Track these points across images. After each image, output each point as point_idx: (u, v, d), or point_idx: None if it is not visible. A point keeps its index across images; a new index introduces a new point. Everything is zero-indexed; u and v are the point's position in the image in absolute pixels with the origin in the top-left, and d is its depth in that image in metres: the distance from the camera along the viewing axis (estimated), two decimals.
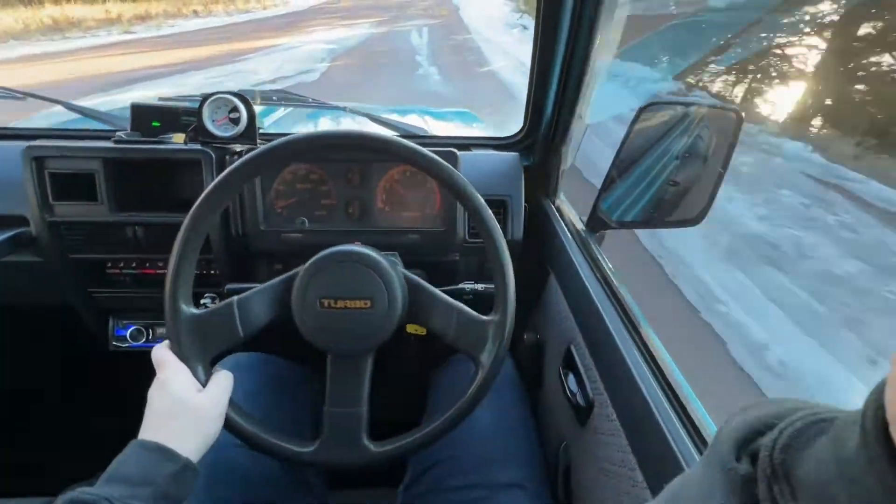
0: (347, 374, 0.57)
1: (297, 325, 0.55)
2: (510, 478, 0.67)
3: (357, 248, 0.57)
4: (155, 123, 0.79)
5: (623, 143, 0.74)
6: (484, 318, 0.58)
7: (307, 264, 0.56)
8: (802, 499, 0.18)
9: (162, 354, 0.52)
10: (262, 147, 0.56)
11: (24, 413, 1.04)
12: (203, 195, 0.54)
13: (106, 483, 0.42)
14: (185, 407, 0.48)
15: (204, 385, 0.52)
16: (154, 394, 0.50)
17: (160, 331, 0.91)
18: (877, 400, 0.17)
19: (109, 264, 0.86)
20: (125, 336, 0.91)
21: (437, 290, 0.59)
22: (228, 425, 0.54)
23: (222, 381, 0.54)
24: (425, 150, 0.58)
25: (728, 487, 0.21)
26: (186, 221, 0.53)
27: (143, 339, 0.91)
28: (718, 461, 0.22)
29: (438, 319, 0.59)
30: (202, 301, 0.85)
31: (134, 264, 0.86)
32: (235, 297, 0.55)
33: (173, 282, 0.53)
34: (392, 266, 0.57)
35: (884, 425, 0.16)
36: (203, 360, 0.54)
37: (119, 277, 0.86)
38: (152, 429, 0.47)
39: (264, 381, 0.76)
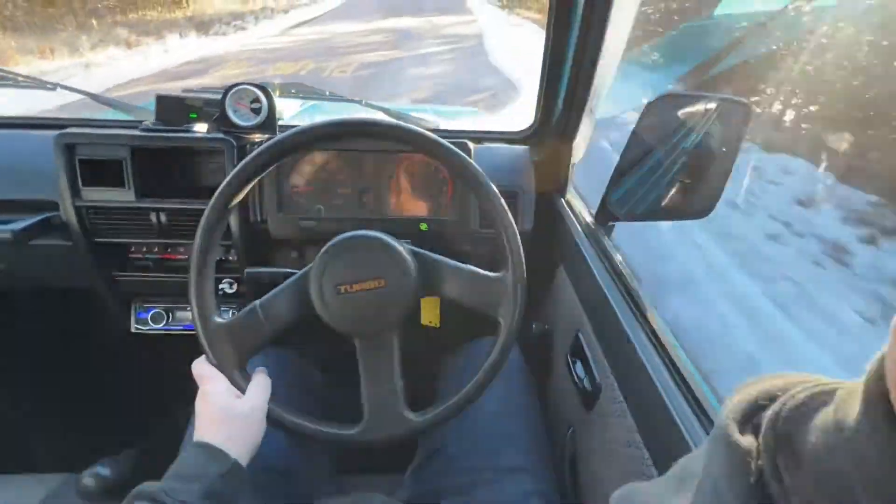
0: (378, 353, 0.59)
1: (321, 316, 0.57)
2: (516, 462, 0.68)
3: (362, 231, 0.59)
4: (192, 115, 0.82)
5: (632, 136, 0.76)
6: (496, 274, 0.60)
7: (317, 257, 0.58)
8: (806, 468, 0.19)
9: (200, 369, 0.56)
10: (281, 134, 0.58)
11: (50, 391, 1.08)
12: (220, 188, 0.56)
13: (167, 479, 0.47)
14: (229, 415, 0.53)
15: (244, 391, 0.56)
16: (200, 405, 0.54)
17: (180, 314, 0.94)
18: (878, 369, 0.17)
19: (132, 248, 0.89)
20: (146, 319, 0.94)
21: (444, 258, 0.61)
22: (270, 419, 0.57)
23: (261, 382, 0.57)
24: (441, 140, 0.60)
25: (733, 460, 0.21)
26: (206, 214, 0.56)
27: (164, 322, 0.94)
28: (722, 436, 0.22)
29: (451, 285, 0.60)
30: (220, 286, 0.88)
31: (156, 249, 0.89)
32: (257, 302, 0.58)
33: (198, 293, 0.56)
34: (399, 243, 0.59)
35: (885, 394, 0.16)
36: (239, 366, 0.57)
37: (141, 262, 0.90)
38: (203, 433, 0.51)
39: (282, 379, 0.79)
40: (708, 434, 0.47)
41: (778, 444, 0.20)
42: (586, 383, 0.70)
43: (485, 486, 0.65)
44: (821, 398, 0.20)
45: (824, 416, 0.19)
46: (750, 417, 0.22)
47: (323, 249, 0.58)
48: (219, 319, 0.57)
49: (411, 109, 1.60)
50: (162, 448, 0.62)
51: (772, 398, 0.22)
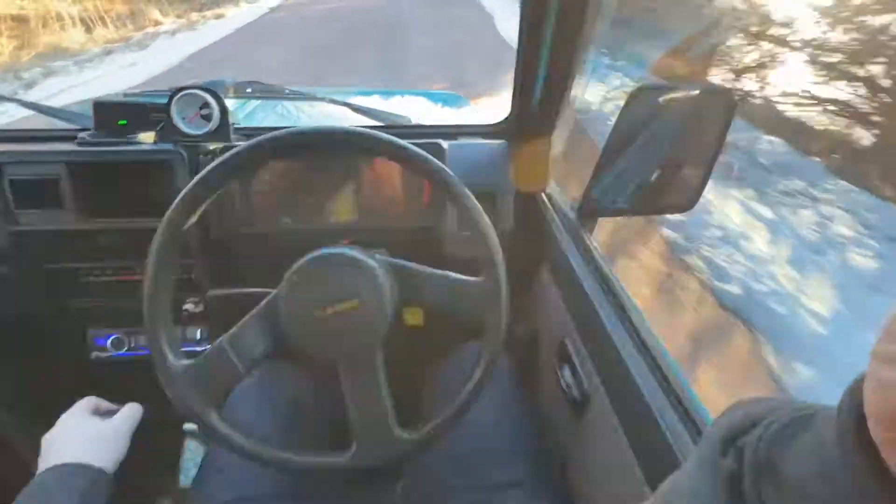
0: (361, 375, 0.55)
1: (294, 344, 0.53)
2: (509, 476, 0.67)
3: (329, 249, 0.55)
4: (122, 122, 0.74)
5: (613, 129, 0.72)
6: (476, 279, 0.57)
7: (283, 282, 0.54)
8: (785, 493, 0.19)
9: (77, 406, 0.61)
10: (236, 148, 0.52)
11: (5, 425, 1.00)
12: (171, 208, 0.51)
13: (30, 498, 0.49)
14: (97, 432, 0.57)
15: (219, 434, 0.55)
16: (56, 433, 0.58)
17: (141, 339, 0.88)
18: (852, 395, 0.17)
19: (83, 272, 0.82)
20: (106, 345, 0.88)
21: (421, 267, 0.58)
22: (262, 458, 0.54)
23: (127, 411, 0.61)
24: (411, 146, 0.55)
25: (716, 484, 0.21)
26: (157, 243, 0.50)
27: (126, 348, 0.88)
28: (707, 458, 0.23)
29: (430, 293, 0.57)
30: (184, 308, 0.82)
31: (110, 272, 0.82)
32: (224, 337, 0.53)
33: (153, 329, 0.51)
34: (370, 257, 0.55)
35: (858, 420, 0.16)
36: (214, 406, 0.53)
37: (95, 286, 0.82)
38: (62, 455, 0.53)
39: (279, 395, 0.75)
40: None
41: (760, 468, 0.20)
42: (575, 392, 0.68)
43: None
44: (801, 423, 0.20)
45: (803, 442, 0.19)
46: (734, 441, 0.22)
47: (288, 274, 0.54)
48: (180, 362, 0.52)
49: (382, 93, 1.53)
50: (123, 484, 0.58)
51: (755, 422, 0.22)
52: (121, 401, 0.64)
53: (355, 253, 0.55)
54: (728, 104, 0.65)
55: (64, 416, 0.60)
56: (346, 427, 0.57)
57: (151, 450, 0.89)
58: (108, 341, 0.88)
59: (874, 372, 0.16)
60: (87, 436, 0.57)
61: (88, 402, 0.63)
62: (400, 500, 0.71)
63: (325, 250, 0.55)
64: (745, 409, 0.23)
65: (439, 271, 0.58)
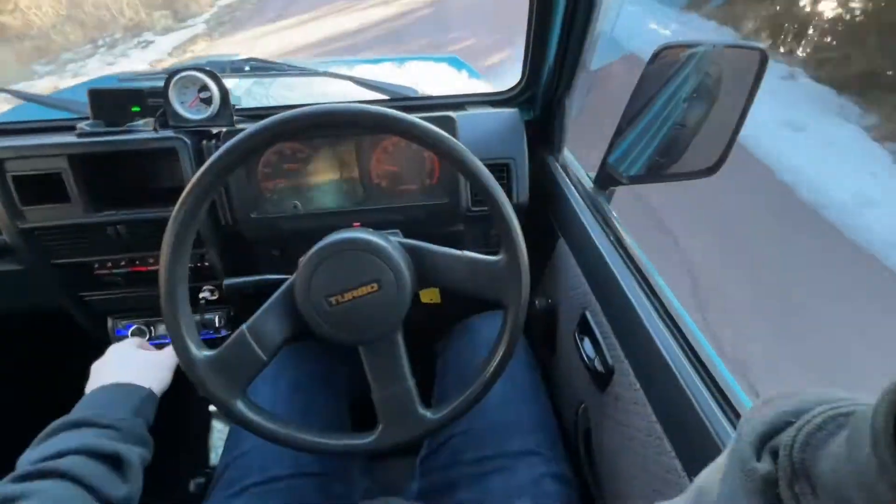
0: (383, 357, 0.56)
1: (314, 332, 0.53)
2: (526, 445, 0.67)
3: (344, 234, 0.54)
4: (135, 108, 0.72)
5: (635, 91, 0.68)
6: (495, 258, 0.56)
7: (299, 269, 0.53)
8: (822, 497, 0.18)
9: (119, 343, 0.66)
10: (242, 133, 0.50)
11: (31, 419, 1.03)
12: (180, 201, 0.49)
13: (90, 411, 0.51)
14: (144, 360, 0.61)
15: (247, 421, 0.56)
16: (98, 363, 0.61)
17: (162, 328, 0.89)
18: (886, 403, 0.16)
19: (97, 265, 0.81)
20: (127, 335, 0.88)
21: (438, 247, 0.57)
22: (290, 443, 0.54)
23: (170, 349, 0.59)
24: (422, 123, 0.52)
25: (750, 487, 0.21)
26: (170, 233, 0.49)
27: (147, 338, 0.88)
28: (739, 460, 0.22)
29: (450, 274, 0.57)
30: (201, 296, 0.82)
31: (123, 263, 0.81)
32: (244, 326, 0.53)
33: (173, 322, 0.51)
34: (385, 240, 0.54)
35: (893, 430, 0.16)
36: (240, 394, 0.53)
37: (109, 278, 0.82)
38: (114, 376, 0.56)
39: (300, 374, 0.76)
40: (732, 427, 0.45)
41: (795, 471, 0.20)
42: (597, 364, 0.68)
43: (497, 474, 0.65)
44: (837, 422, 0.20)
45: (838, 445, 0.19)
46: (767, 441, 0.22)
47: (304, 260, 0.53)
48: (203, 353, 0.52)
49: (380, 61, 1.47)
50: (154, 465, 0.60)
51: (788, 422, 0.21)
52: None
53: (370, 236, 0.54)
54: (760, 58, 0.61)
55: (114, 346, 0.66)
56: (364, 407, 0.58)
57: (181, 432, 0.92)
58: (129, 331, 0.88)
59: None
60: (137, 362, 0.62)
61: (134, 339, 0.71)
62: (420, 476, 0.72)
63: (339, 235, 0.54)
64: (778, 406, 0.22)
65: (456, 251, 0.57)
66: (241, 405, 0.53)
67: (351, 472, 0.70)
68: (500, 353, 0.56)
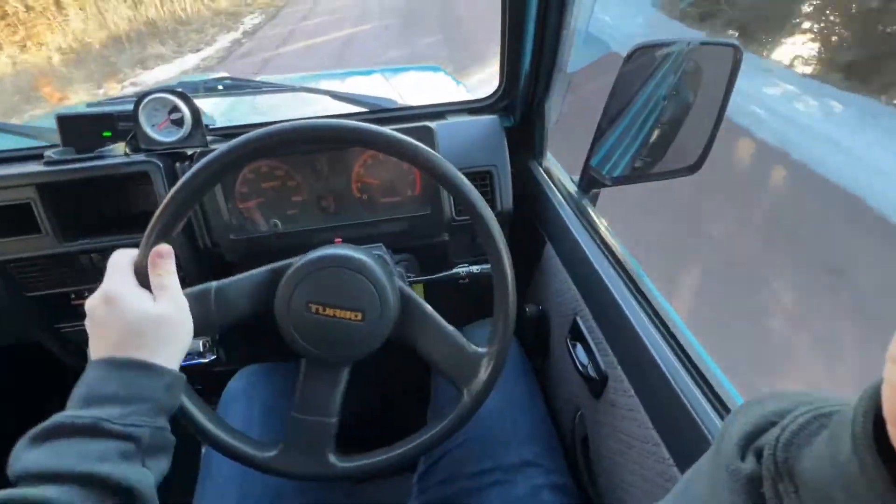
0: (322, 381, 0.54)
1: (277, 322, 0.52)
2: (524, 456, 0.66)
3: (356, 254, 0.53)
4: (105, 134, 0.70)
5: (612, 92, 0.68)
6: (479, 350, 0.55)
7: (299, 264, 0.52)
8: (805, 496, 0.19)
9: (119, 261, 0.45)
10: (215, 152, 0.48)
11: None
12: (151, 223, 0.47)
13: (88, 405, 0.38)
14: (150, 319, 0.42)
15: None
16: (100, 310, 0.42)
17: None
18: (867, 403, 0.17)
19: (73, 296, 0.79)
20: None
21: (433, 312, 0.55)
22: (192, 425, 0.50)
23: (168, 282, 0.46)
24: (397, 135, 0.51)
25: (734, 487, 0.21)
26: (142, 258, 0.47)
27: None
28: (724, 460, 0.22)
29: (428, 342, 0.55)
30: None
31: None
32: (214, 283, 0.51)
33: (145, 252, 0.46)
34: (389, 278, 0.53)
35: (874, 430, 0.16)
36: None
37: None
38: (119, 346, 0.41)
39: (273, 396, 0.73)
40: None
41: (778, 470, 0.20)
42: (591, 370, 0.66)
43: (495, 487, 0.64)
44: (819, 422, 0.20)
45: (820, 444, 0.19)
46: (752, 441, 0.22)
47: (307, 258, 0.52)
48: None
49: (361, 73, 1.46)
50: None
51: (772, 422, 0.22)
52: None
53: (381, 269, 0.53)
54: (734, 55, 0.60)
55: (114, 281, 0.45)
56: (342, 427, 0.56)
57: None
58: None
59: (891, 375, 0.15)
60: (154, 317, 0.43)
61: (129, 264, 0.49)
62: (416, 489, 0.70)
63: (352, 253, 0.53)
64: (762, 408, 0.23)
65: (447, 327, 0.55)
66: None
67: (335, 500, 0.68)
68: (429, 435, 0.55)
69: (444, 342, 0.55)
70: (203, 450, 0.71)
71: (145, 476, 0.36)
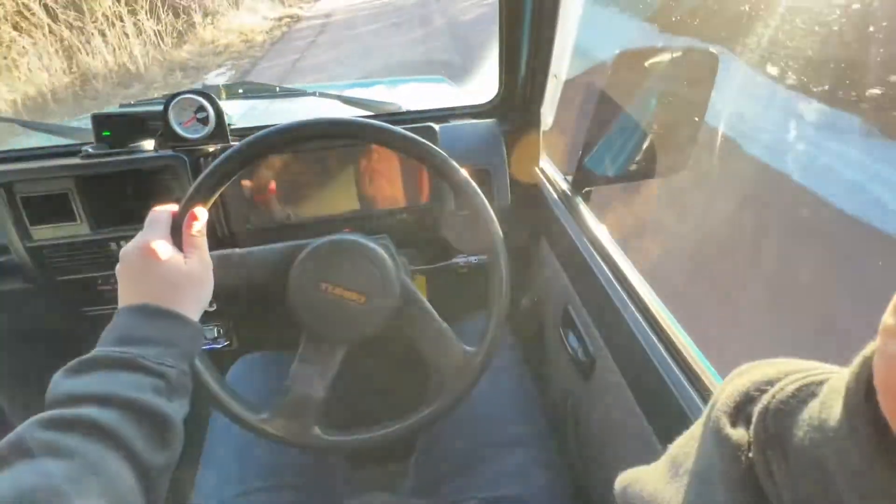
0: (317, 356, 0.58)
1: (289, 294, 0.56)
2: (513, 435, 0.69)
3: (368, 243, 0.58)
4: (121, 133, 0.77)
5: (600, 96, 0.73)
6: (468, 349, 0.59)
7: (318, 244, 0.56)
8: (794, 463, 0.19)
9: (159, 217, 0.49)
10: (233, 147, 0.54)
11: None
12: (187, 194, 0.53)
13: (124, 345, 0.41)
14: (182, 274, 0.46)
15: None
16: (136, 259, 0.46)
17: None
18: (860, 370, 0.17)
19: (100, 281, 0.85)
20: None
21: (430, 307, 0.60)
22: (197, 380, 0.54)
23: (199, 242, 0.50)
24: (401, 130, 0.57)
25: (725, 453, 0.22)
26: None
27: None
28: (714, 427, 0.23)
29: (421, 335, 0.60)
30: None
31: None
32: (238, 249, 0.57)
33: (185, 209, 0.51)
34: (395, 268, 0.58)
35: (865, 396, 0.16)
36: None
37: (112, 293, 0.86)
38: (152, 295, 0.44)
39: (270, 380, 0.78)
40: (705, 404, 0.48)
41: (767, 437, 0.20)
42: (580, 354, 0.71)
43: (484, 463, 0.67)
44: (809, 390, 0.20)
45: (810, 411, 0.19)
46: (741, 409, 0.22)
47: (325, 240, 0.57)
48: None
49: (369, 84, 1.53)
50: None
51: (762, 389, 0.22)
52: None
53: (391, 259, 0.57)
54: (711, 61, 0.66)
55: (147, 238, 0.49)
56: (346, 415, 0.60)
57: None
58: None
59: (884, 345, 0.15)
60: (182, 274, 0.47)
61: (165, 227, 0.52)
62: (414, 473, 0.74)
63: (368, 242, 0.57)
64: (752, 375, 0.23)
65: (441, 323, 0.59)
66: None
67: (333, 483, 0.71)
68: (417, 419, 0.59)
69: (437, 337, 0.59)
70: (209, 425, 0.76)
71: (175, 410, 0.40)
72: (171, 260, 0.46)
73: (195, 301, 0.47)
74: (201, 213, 0.51)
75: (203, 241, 0.50)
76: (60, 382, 0.38)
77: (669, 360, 0.53)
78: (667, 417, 0.51)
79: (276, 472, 0.67)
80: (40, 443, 0.33)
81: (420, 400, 0.61)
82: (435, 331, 0.59)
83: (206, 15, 7.24)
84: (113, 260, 0.82)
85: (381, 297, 0.56)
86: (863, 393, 0.16)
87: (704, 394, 0.48)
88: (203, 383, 0.55)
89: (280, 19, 8.27)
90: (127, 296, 0.45)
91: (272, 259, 0.57)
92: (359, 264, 0.56)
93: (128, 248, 0.47)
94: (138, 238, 0.47)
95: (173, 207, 0.51)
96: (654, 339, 0.55)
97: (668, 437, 0.51)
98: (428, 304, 0.60)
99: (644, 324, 0.58)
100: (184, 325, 0.44)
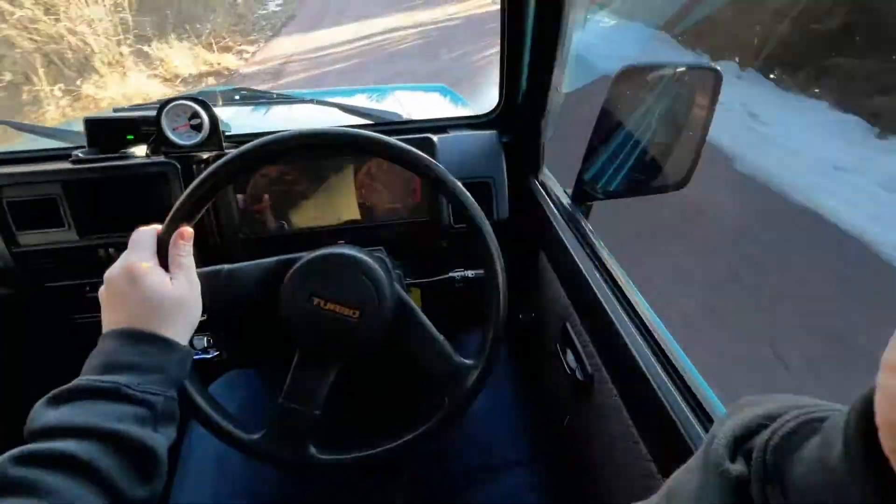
0: (311, 373, 0.56)
1: (281, 310, 0.54)
2: (510, 456, 0.68)
3: (362, 255, 0.56)
4: (129, 137, 0.75)
5: (602, 111, 0.72)
6: (466, 361, 0.58)
7: (310, 257, 0.55)
8: (793, 499, 0.19)
9: (143, 238, 0.48)
10: (225, 157, 0.53)
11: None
12: (171, 212, 0.51)
13: (108, 372, 0.39)
14: (168, 297, 0.45)
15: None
16: (120, 282, 0.44)
17: None
18: (859, 409, 0.16)
19: (88, 288, 0.83)
20: None
21: (426, 320, 0.58)
22: (186, 400, 0.52)
23: (186, 262, 0.49)
24: (399, 143, 0.56)
25: (722, 488, 0.21)
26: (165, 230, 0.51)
27: None
28: (713, 461, 0.22)
29: (418, 348, 0.58)
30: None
31: None
32: (226, 266, 0.55)
33: (170, 228, 0.50)
34: (389, 281, 0.56)
35: (866, 436, 0.16)
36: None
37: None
38: (137, 319, 0.43)
39: (258, 396, 0.76)
40: (704, 430, 0.46)
41: (767, 473, 0.20)
42: (578, 374, 0.69)
43: (480, 485, 0.66)
44: (811, 426, 0.20)
45: (811, 448, 0.19)
46: (741, 443, 0.22)
47: (317, 253, 0.55)
48: None
49: (369, 91, 1.53)
50: None
51: (763, 424, 0.22)
52: None
53: (383, 272, 0.56)
54: (715, 78, 0.65)
55: (132, 254, 0.48)
56: (332, 432, 0.58)
57: None
58: None
59: (885, 382, 0.15)
60: (169, 295, 0.46)
61: (150, 244, 0.51)
62: (407, 489, 0.72)
63: (359, 255, 0.56)
64: (753, 410, 0.23)
65: (437, 335, 0.58)
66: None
67: (314, 499, 0.70)
68: (417, 433, 0.58)
69: (433, 350, 0.58)
70: (185, 436, 0.74)
71: (159, 440, 0.38)
72: (156, 281, 0.45)
73: (183, 323, 0.45)
74: (188, 232, 0.49)
75: (190, 262, 0.48)
76: (40, 413, 0.37)
77: (669, 384, 0.51)
78: (665, 443, 0.49)
79: (254, 486, 0.65)
80: (14, 480, 0.31)
81: (417, 416, 0.60)
82: (431, 343, 0.58)
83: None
84: (101, 267, 0.80)
85: (376, 311, 0.55)
86: (863, 431, 0.16)
87: (704, 420, 0.47)
88: (190, 399, 0.53)
89: (200, 77, 5.15)
90: (111, 320, 0.44)
91: (262, 275, 0.56)
92: (351, 278, 0.55)
93: (111, 271, 0.46)
94: (122, 259, 0.46)
95: (158, 226, 0.50)
96: (654, 361, 0.54)
97: (665, 462, 0.49)
98: (424, 317, 0.58)
99: (644, 345, 0.56)
100: (171, 350, 0.43)
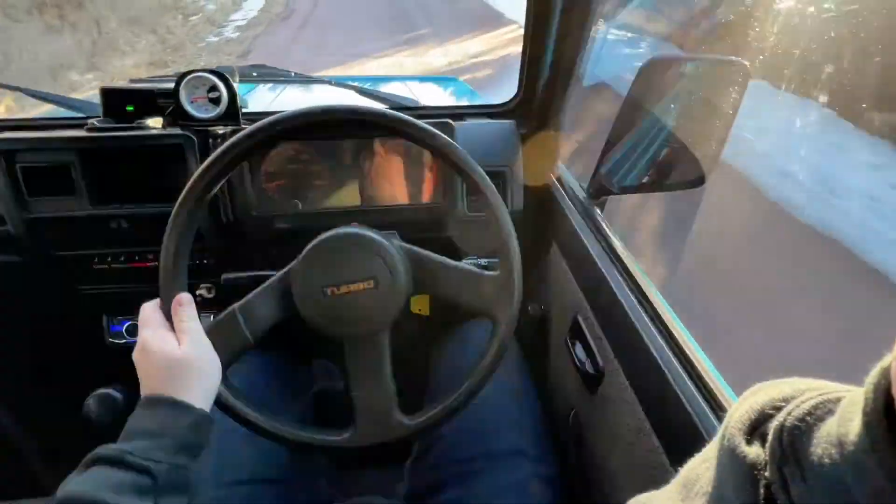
0: (366, 355, 0.56)
1: (305, 318, 0.54)
2: (514, 446, 0.68)
3: (349, 228, 0.55)
4: (129, 108, 0.74)
5: (624, 103, 0.71)
6: (491, 273, 0.57)
7: (301, 256, 0.54)
8: (811, 479, 0.19)
9: (148, 314, 0.51)
10: (248, 128, 0.52)
11: (24, 418, 1.02)
12: (186, 187, 0.51)
13: (124, 440, 0.42)
14: (176, 361, 0.47)
15: (226, 403, 0.52)
16: (138, 356, 0.48)
17: None
18: (877, 383, 0.16)
19: (96, 259, 0.82)
20: (122, 332, 0.89)
21: (438, 256, 0.58)
22: (262, 431, 0.54)
23: (189, 327, 0.50)
24: (420, 122, 0.55)
25: (739, 472, 0.21)
26: (172, 219, 0.51)
27: None
28: (729, 446, 0.22)
29: (445, 284, 0.58)
30: (198, 293, 0.83)
31: (122, 258, 0.82)
32: (236, 305, 0.54)
33: (167, 299, 0.51)
34: (387, 239, 0.56)
35: (885, 409, 0.16)
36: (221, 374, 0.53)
37: (108, 273, 0.83)
38: (155, 387, 0.46)
39: (261, 378, 0.76)
40: (720, 422, 0.46)
41: (784, 455, 0.20)
42: (588, 367, 0.68)
43: (483, 473, 0.65)
44: (826, 407, 0.20)
45: (828, 428, 0.19)
46: (757, 427, 0.22)
47: (306, 249, 0.54)
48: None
49: (384, 80, 1.52)
50: None
51: (777, 407, 0.22)
52: (137, 388, 0.64)
53: (373, 234, 0.55)
54: (742, 74, 0.64)
55: (148, 328, 0.52)
56: (343, 408, 0.58)
57: None
58: (124, 328, 0.89)
59: None
60: (184, 360, 0.49)
61: (156, 313, 0.55)
62: (409, 478, 0.72)
63: (343, 229, 0.55)
64: (768, 393, 0.23)
65: (454, 263, 0.58)
66: (220, 386, 0.52)
67: (316, 480, 0.69)
68: (485, 364, 0.57)
69: (458, 277, 0.57)
70: None
71: None
72: (163, 349, 0.47)
73: (198, 386, 0.47)
74: (186, 298, 0.51)
75: (194, 325, 0.50)
76: (68, 479, 0.39)
77: (685, 377, 0.51)
78: (679, 435, 0.49)
79: (255, 466, 0.65)
80: None
81: (433, 387, 0.58)
82: (454, 272, 0.57)
83: None
84: (112, 239, 0.80)
85: (389, 273, 0.54)
86: (882, 403, 0.16)
87: (720, 412, 0.46)
88: (273, 434, 0.55)
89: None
90: (141, 392, 0.47)
91: (273, 294, 0.55)
92: (349, 255, 0.54)
93: (134, 352, 0.49)
94: (138, 338, 0.49)
95: (157, 301, 0.52)
96: (670, 354, 0.53)
97: (679, 455, 0.49)
98: (434, 255, 0.58)
99: (659, 338, 0.55)
100: (181, 412, 0.44)
